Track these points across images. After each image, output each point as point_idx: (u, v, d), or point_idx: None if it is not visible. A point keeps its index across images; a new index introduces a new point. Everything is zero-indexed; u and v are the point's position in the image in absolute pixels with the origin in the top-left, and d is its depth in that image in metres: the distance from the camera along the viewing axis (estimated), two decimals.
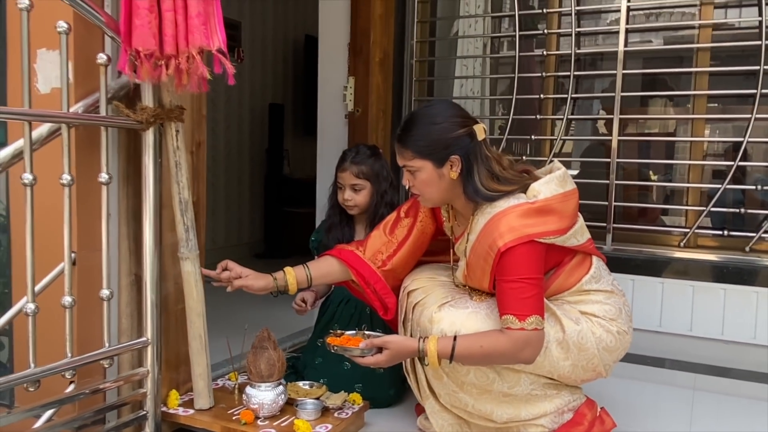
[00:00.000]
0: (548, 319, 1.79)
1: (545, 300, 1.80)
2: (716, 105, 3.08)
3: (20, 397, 1.78)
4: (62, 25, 1.52)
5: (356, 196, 2.29)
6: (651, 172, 3.25)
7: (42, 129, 1.57)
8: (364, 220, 2.36)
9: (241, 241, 5.26)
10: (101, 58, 1.62)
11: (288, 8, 5.62)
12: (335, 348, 1.79)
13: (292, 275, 1.99)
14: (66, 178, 1.55)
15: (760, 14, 2.53)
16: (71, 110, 1.64)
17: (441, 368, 1.82)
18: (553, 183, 1.81)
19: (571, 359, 1.82)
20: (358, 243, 2.09)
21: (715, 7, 2.75)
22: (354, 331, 1.89)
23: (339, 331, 1.88)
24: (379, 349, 1.76)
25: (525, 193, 1.80)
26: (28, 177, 1.47)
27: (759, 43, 2.53)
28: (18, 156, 1.51)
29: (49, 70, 1.72)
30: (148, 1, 1.54)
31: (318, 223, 3.13)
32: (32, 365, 1.52)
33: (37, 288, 1.56)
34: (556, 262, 1.85)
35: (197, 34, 1.57)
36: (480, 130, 1.80)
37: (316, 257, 2.27)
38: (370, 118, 3.18)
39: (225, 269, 1.93)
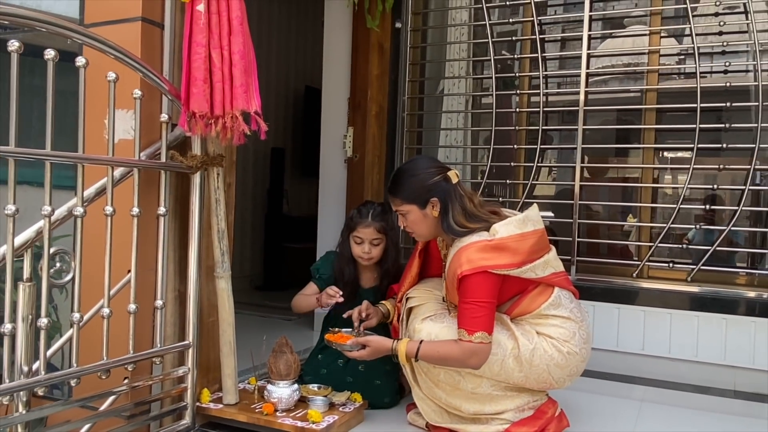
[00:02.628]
0: (508, 337, 2.14)
1: (507, 320, 2.18)
2: (689, 154, 3.50)
3: (75, 391, 2.13)
4: (137, 92, 1.97)
5: (375, 249, 2.56)
6: (630, 215, 3.61)
7: (115, 173, 1.98)
8: (371, 266, 2.65)
9: (243, 274, 5.46)
10: (164, 117, 2.06)
11: (290, 62, 6.01)
12: (332, 344, 2.27)
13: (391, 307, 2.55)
14: (135, 210, 1.97)
15: (697, 83, 3.02)
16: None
17: (420, 368, 2.21)
18: (512, 225, 2.13)
19: (523, 372, 2.14)
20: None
21: (660, 74, 3.26)
22: (350, 329, 2.38)
23: (336, 329, 2.38)
24: (364, 346, 2.21)
25: (488, 231, 2.13)
26: (108, 209, 1.88)
27: (695, 105, 3.01)
28: (100, 193, 1.93)
29: (117, 125, 2.13)
30: (203, 74, 1.99)
31: (317, 254, 3.55)
32: (105, 357, 1.91)
33: (108, 296, 1.95)
34: (519, 289, 2.18)
35: (240, 99, 2.02)
36: (453, 175, 2.23)
37: (312, 281, 2.69)
38: (367, 163, 3.61)
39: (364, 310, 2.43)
